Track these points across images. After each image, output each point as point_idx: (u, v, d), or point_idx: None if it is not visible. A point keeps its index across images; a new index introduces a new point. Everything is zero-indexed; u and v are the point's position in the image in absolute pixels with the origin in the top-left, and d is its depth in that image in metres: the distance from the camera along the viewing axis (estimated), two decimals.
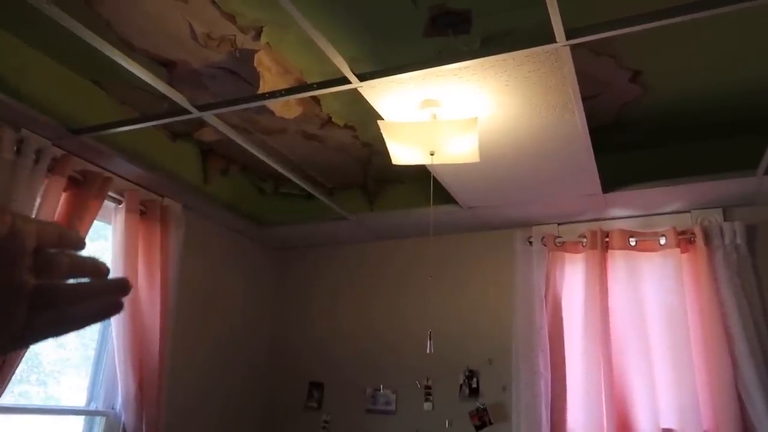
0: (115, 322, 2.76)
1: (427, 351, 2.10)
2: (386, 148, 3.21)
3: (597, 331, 3.03)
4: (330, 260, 4.04)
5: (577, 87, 1.97)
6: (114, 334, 2.77)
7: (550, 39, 1.75)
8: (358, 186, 3.79)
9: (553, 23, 1.65)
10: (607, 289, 3.10)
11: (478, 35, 2.23)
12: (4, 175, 2.32)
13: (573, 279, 3.25)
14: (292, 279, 4.14)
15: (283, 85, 2.61)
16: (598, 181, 2.76)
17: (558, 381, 3.09)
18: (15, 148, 2.37)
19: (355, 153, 3.34)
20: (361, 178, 3.69)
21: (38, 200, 2.44)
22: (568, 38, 1.72)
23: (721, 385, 2.77)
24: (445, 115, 2.17)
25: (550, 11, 1.60)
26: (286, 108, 2.83)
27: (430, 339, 2.07)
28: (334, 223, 3.62)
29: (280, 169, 2.85)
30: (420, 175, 3.50)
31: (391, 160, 3.34)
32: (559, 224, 3.37)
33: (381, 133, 3.08)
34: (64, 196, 2.57)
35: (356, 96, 2.73)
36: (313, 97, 2.79)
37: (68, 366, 2.97)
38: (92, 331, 3.03)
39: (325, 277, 4.02)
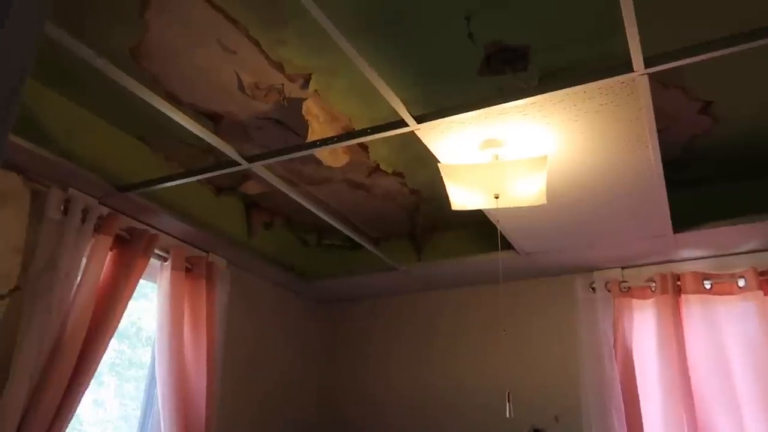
0: (161, 383, 2.63)
1: (507, 415, 1.89)
2: (435, 194, 3.11)
3: (676, 384, 2.76)
4: (378, 313, 3.88)
5: (653, 118, 1.83)
6: (159, 395, 2.64)
7: (626, 68, 1.62)
8: (404, 235, 3.66)
9: (631, 50, 1.53)
10: (683, 336, 2.85)
11: (536, 72, 2.13)
12: (51, 235, 2.26)
13: (643, 327, 3.01)
14: (339, 334, 3.98)
15: (330, 133, 2.53)
16: (669, 220, 2.56)
17: None
18: (62, 208, 2.32)
19: (403, 201, 3.23)
20: (407, 227, 3.56)
21: (84, 260, 2.37)
22: (646, 66, 1.58)
23: None
24: (507, 155, 2.04)
25: (629, 36, 1.47)
26: (334, 156, 2.74)
27: (509, 401, 1.87)
28: (382, 275, 3.48)
29: (328, 220, 2.74)
30: (469, 221, 3.36)
31: (440, 208, 3.25)
32: (623, 268, 3.16)
33: (430, 180, 2.99)
34: (110, 255, 2.50)
35: (406, 141, 2.64)
36: (361, 145, 2.71)
37: (109, 428, 2.85)
38: (131, 390, 2.92)
39: (374, 331, 3.85)
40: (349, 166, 2.88)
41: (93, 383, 2.71)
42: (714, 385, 2.74)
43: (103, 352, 2.37)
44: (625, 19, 1.42)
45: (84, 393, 2.28)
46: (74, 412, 2.25)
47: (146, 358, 3.01)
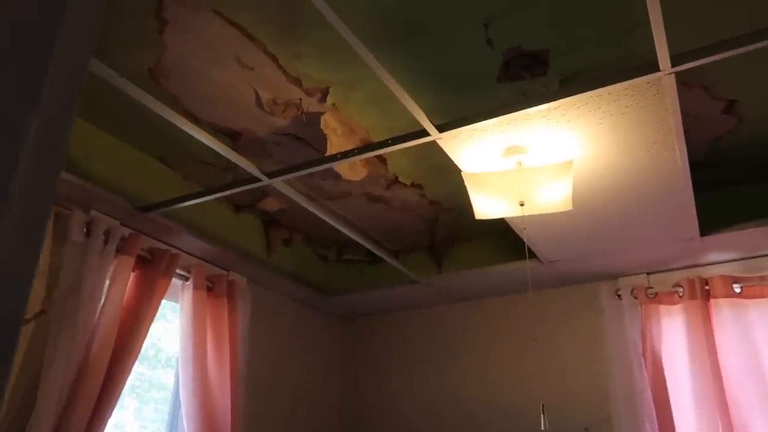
0: (185, 403, 2.61)
1: (542, 427, 1.84)
2: (454, 204, 3.08)
3: (708, 391, 2.69)
4: (401, 327, 3.84)
5: (680, 119, 1.79)
6: (184, 415, 2.62)
7: (652, 68, 1.60)
8: (423, 248, 3.63)
9: (657, 49, 1.50)
10: (714, 343, 2.78)
11: (556, 76, 2.11)
12: (75, 258, 2.26)
13: (672, 334, 2.94)
14: (362, 349, 3.94)
15: (349, 146, 2.52)
16: (697, 223, 2.51)
17: None
18: (85, 230, 2.33)
19: (422, 212, 3.20)
20: (426, 239, 3.53)
21: (107, 281, 2.36)
22: (673, 65, 1.56)
23: None
24: (530, 161, 2.01)
25: (655, 36, 1.45)
26: (353, 170, 2.73)
27: (543, 413, 1.82)
28: (403, 288, 3.44)
29: (348, 233, 2.72)
30: (489, 230, 3.33)
31: (460, 218, 3.22)
32: (648, 274, 3.10)
33: (449, 190, 2.96)
34: (132, 275, 2.49)
35: (424, 152, 2.63)
36: (379, 157, 2.70)
37: None
38: (151, 412, 2.89)
39: (398, 346, 3.81)
40: (368, 179, 2.86)
41: None
42: (749, 391, 2.66)
43: (129, 373, 2.36)
44: (651, 18, 1.39)
45: (111, 415, 2.27)
46: None
47: (165, 380, 2.99)
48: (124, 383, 2.33)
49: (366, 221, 3.32)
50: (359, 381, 3.86)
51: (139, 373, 2.95)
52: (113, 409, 2.28)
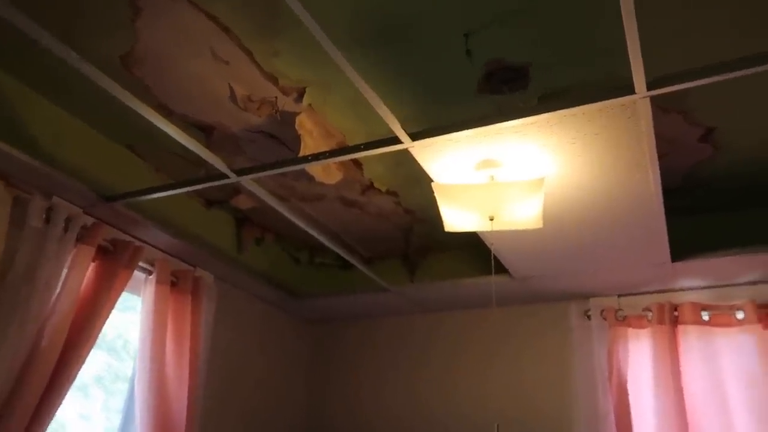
0: (140, 399, 2.54)
1: None
2: (430, 214, 3.05)
3: (671, 418, 2.68)
4: (371, 335, 3.79)
5: (654, 143, 1.78)
6: (137, 410, 2.55)
7: (627, 90, 1.58)
8: (397, 256, 3.59)
9: (633, 72, 1.48)
10: (679, 368, 2.78)
11: (536, 91, 2.08)
12: (32, 244, 2.19)
13: (639, 358, 2.93)
14: (330, 355, 3.89)
15: (324, 149, 2.47)
16: (668, 248, 2.51)
17: None
18: (44, 216, 2.26)
19: (396, 220, 3.17)
20: (400, 247, 3.49)
21: (65, 270, 2.30)
22: (649, 89, 1.54)
23: None
24: (503, 176, 1.99)
25: (631, 58, 1.43)
26: (327, 173, 2.69)
27: None
28: (374, 295, 3.40)
29: (319, 237, 2.68)
30: (465, 243, 3.30)
31: (435, 228, 3.19)
32: (619, 296, 3.09)
33: (424, 200, 2.93)
34: (92, 266, 2.43)
35: (401, 159, 2.59)
36: (355, 162, 2.66)
37: None
38: (118, 403, 2.83)
39: (366, 353, 3.76)
40: (343, 183, 2.82)
41: (79, 396, 2.63)
42: (711, 419, 2.66)
43: (81, 365, 2.29)
44: (627, 40, 1.37)
45: (60, 404, 2.20)
46: (47, 426, 2.16)
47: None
48: (76, 374, 2.26)
49: (340, 225, 3.27)
50: (327, 387, 3.81)
51: (106, 365, 2.89)
52: (63, 398, 2.22)
